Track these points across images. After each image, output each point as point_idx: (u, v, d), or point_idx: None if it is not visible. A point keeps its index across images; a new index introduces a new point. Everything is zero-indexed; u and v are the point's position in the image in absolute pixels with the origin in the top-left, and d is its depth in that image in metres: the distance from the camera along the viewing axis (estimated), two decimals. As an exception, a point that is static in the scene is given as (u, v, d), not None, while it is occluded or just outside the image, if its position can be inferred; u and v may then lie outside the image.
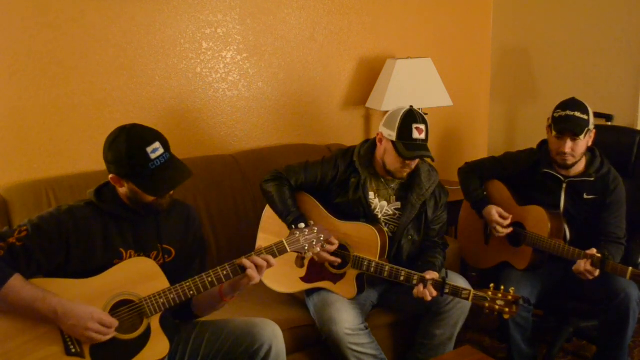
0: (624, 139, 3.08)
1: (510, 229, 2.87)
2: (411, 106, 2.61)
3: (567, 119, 2.68)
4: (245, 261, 2.07)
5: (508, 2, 4.08)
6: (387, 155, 2.61)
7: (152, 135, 2.02)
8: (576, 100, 2.73)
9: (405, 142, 2.53)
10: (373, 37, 3.70)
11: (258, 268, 2.07)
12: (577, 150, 2.71)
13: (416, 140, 2.53)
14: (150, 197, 2.03)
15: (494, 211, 2.88)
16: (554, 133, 2.72)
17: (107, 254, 2.05)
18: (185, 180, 2.05)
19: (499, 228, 2.87)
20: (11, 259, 1.92)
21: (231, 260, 2.10)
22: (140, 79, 3.06)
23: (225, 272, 2.08)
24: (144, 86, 3.07)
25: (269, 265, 2.10)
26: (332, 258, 2.59)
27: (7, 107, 2.78)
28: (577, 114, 2.68)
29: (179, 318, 2.27)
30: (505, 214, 2.88)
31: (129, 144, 1.98)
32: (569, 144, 2.69)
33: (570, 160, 2.73)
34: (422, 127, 2.54)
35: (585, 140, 2.70)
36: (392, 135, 2.55)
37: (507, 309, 2.34)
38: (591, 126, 2.70)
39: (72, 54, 2.87)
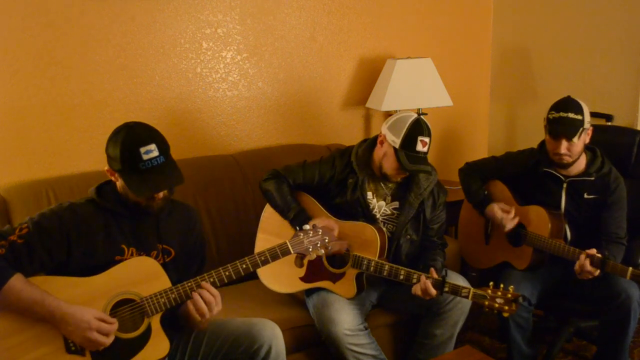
0: (624, 139, 3.08)
1: (517, 219, 2.85)
2: (419, 115, 2.59)
3: (560, 121, 2.67)
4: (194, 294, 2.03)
5: (508, 2, 4.08)
6: (385, 158, 2.61)
7: (151, 136, 2.02)
8: (570, 100, 2.72)
9: (408, 153, 2.53)
10: (373, 37, 3.70)
11: (207, 303, 2.03)
12: (573, 150, 2.70)
13: (419, 152, 2.53)
14: (138, 197, 2.03)
15: (496, 207, 2.88)
16: (547, 135, 2.73)
17: (108, 250, 2.06)
18: (170, 186, 2.05)
19: (505, 222, 2.84)
20: (13, 257, 1.93)
21: (232, 260, 2.10)
22: (140, 79, 3.06)
23: (227, 273, 2.08)
24: (144, 86, 3.07)
25: (215, 296, 2.04)
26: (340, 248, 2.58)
27: (7, 107, 2.78)
28: (571, 115, 2.66)
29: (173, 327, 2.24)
30: (507, 207, 2.87)
31: (124, 141, 1.99)
32: (564, 144, 2.68)
33: (566, 159, 2.73)
34: (427, 140, 2.55)
35: (581, 140, 2.70)
36: (396, 142, 2.54)
37: (506, 307, 2.34)
38: (586, 125, 2.69)
39: (72, 54, 2.87)
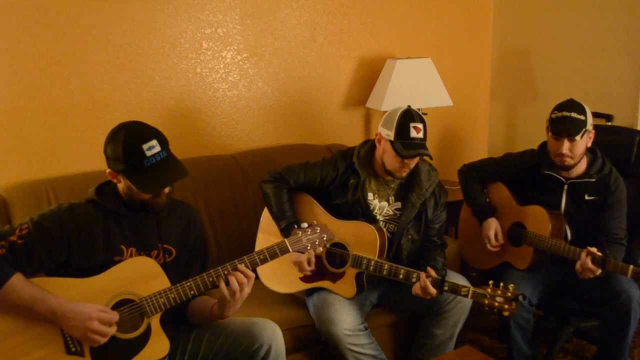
0: (623, 139, 3.07)
1: (498, 249, 2.91)
2: (409, 105, 2.61)
3: (562, 120, 2.68)
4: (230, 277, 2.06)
5: (508, 2, 4.08)
6: (385, 155, 2.61)
7: (150, 132, 2.03)
8: (573, 101, 2.73)
9: (403, 141, 2.53)
10: (373, 37, 3.70)
11: (240, 285, 2.05)
12: (575, 152, 2.70)
13: (414, 139, 2.53)
14: (144, 195, 2.03)
15: (493, 227, 2.91)
16: (550, 134, 2.73)
17: (107, 251, 2.06)
18: (178, 179, 2.05)
19: (488, 246, 2.92)
20: (12, 257, 1.93)
21: (232, 260, 2.10)
22: (140, 79, 3.06)
23: (226, 272, 2.08)
24: (144, 86, 3.07)
25: (248, 278, 2.07)
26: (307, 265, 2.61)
27: (7, 107, 2.78)
28: (574, 114, 2.67)
29: (177, 324, 2.26)
30: (500, 236, 2.91)
31: (125, 140, 1.99)
32: (566, 144, 2.68)
33: (568, 161, 2.72)
34: (420, 125, 2.55)
35: (583, 141, 2.70)
36: (390, 134, 2.55)
37: (506, 306, 2.33)
38: (589, 127, 2.69)
39: (72, 54, 2.87)
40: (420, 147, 2.55)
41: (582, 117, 2.67)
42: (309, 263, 2.61)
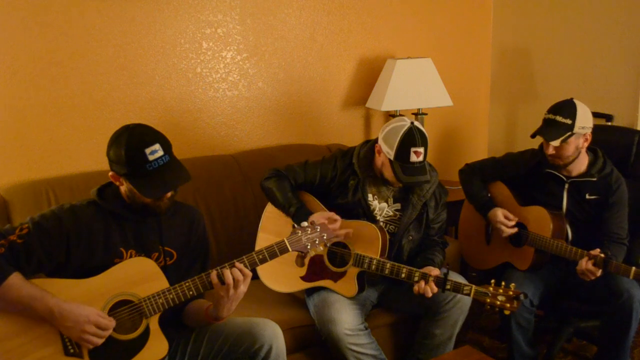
0: (623, 139, 3.07)
1: (515, 229, 2.86)
2: (412, 123, 2.56)
3: (546, 123, 2.68)
4: (226, 272, 2.05)
5: (508, 2, 4.08)
6: (384, 168, 2.61)
7: (153, 136, 2.01)
8: (567, 103, 2.70)
9: (403, 165, 2.52)
10: (373, 37, 3.70)
11: (235, 282, 2.04)
12: (561, 153, 2.69)
13: (414, 163, 2.52)
14: (146, 198, 2.03)
15: (500, 213, 2.88)
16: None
17: (107, 253, 2.05)
18: (181, 184, 2.04)
19: (504, 229, 2.87)
20: (12, 256, 1.92)
21: (231, 260, 2.09)
22: (140, 79, 3.05)
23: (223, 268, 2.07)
24: (144, 86, 3.07)
25: (245, 276, 2.06)
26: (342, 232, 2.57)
27: (7, 107, 2.78)
28: (559, 118, 2.65)
29: (177, 326, 2.26)
30: (510, 216, 2.87)
31: (128, 144, 1.98)
32: (551, 146, 2.68)
33: (556, 161, 2.73)
34: (421, 150, 2.52)
35: (571, 144, 2.67)
36: (390, 153, 2.54)
37: (508, 305, 2.34)
38: (577, 130, 2.64)
39: (72, 54, 2.87)
40: (420, 172, 2.53)
41: (568, 121, 2.64)
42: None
